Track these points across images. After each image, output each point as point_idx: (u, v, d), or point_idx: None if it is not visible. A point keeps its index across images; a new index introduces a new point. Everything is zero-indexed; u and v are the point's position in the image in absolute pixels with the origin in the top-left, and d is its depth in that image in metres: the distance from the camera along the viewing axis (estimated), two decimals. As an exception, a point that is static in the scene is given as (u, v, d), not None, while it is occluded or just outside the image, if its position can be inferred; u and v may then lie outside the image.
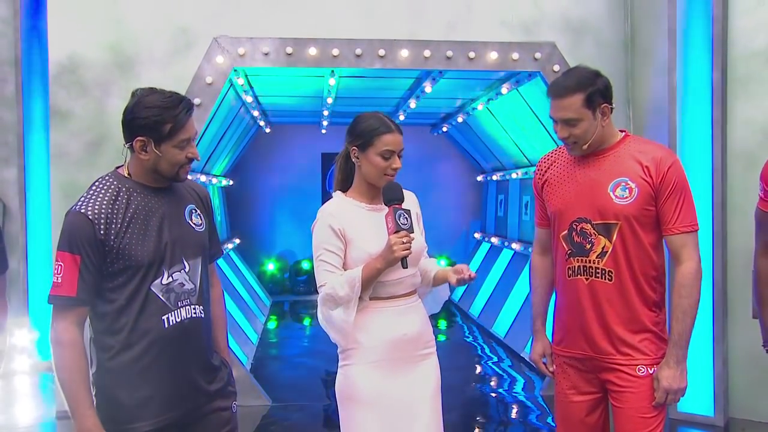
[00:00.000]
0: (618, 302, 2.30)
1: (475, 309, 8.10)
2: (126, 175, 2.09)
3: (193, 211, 2.19)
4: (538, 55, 4.89)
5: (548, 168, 2.49)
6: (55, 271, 1.96)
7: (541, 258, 2.58)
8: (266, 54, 4.67)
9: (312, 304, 9.38)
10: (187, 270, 2.10)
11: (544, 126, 6.04)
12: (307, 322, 8.41)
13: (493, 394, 5.30)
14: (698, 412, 4.33)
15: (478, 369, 6.14)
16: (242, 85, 5.82)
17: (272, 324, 8.24)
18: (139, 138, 2.01)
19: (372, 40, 4.76)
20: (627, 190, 2.27)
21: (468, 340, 7.23)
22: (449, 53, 4.82)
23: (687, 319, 2.26)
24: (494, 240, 8.71)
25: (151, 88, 2.07)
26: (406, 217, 2.26)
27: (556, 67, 4.83)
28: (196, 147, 2.11)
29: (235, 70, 4.96)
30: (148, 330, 2.00)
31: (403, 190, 2.45)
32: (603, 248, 2.30)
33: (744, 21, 4.28)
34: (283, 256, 10.12)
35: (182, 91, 4.45)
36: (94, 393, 2.04)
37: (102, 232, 1.96)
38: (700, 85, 4.35)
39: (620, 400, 2.30)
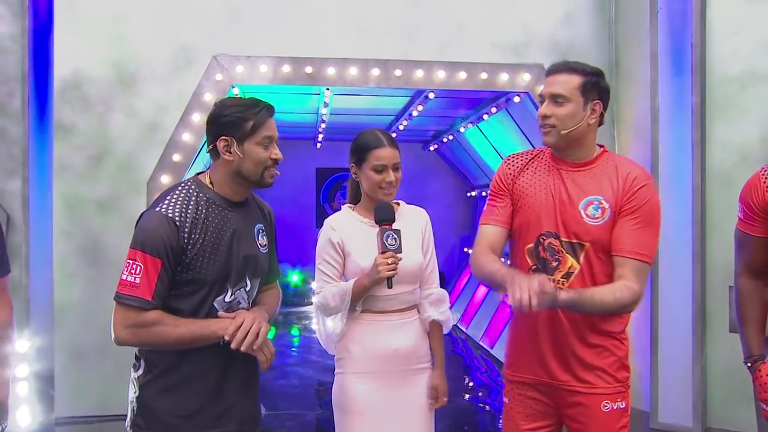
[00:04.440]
0: (582, 326, 2.11)
1: (464, 321, 8.22)
2: (208, 184, 2.06)
3: (261, 230, 2.15)
4: (526, 76, 5.04)
5: (524, 168, 2.30)
6: (132, 271, 1.88)
7: (483, 256, 2.21)
8: (264, 72, 4.81)
9: (304, 315, 9.52)
10: (247, 289, 2.07)
11: (532, 145, 6.19)
12: (299, 332, 8.51)
13: (482, 405, 5.41)
14: (677, 421, 4.46)
15: (467, 380, 6.24)
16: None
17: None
18: (222, 137, 2.00)
19: (366, 59, 4.89)
20: (599, 210, 2.09)
21: (457, 351, 7.34)
22: (441, 73, 4.97)
23: (597, 304, 2.01)
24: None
25: (232, 97, 2.15)
26: (394, 238, 2.31)
27: (544, 89, 4.98)
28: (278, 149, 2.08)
29: (234, 87, 5.10)
30: (206, 345, 1.95)
31: (413, 208, 2.56)
32: (569, 268, 2.10)
33: (721, 48, 4.46)
34: (276, 268, 10.19)
35: (182, 107, 4.65)
36: (136, 395, 2.01)
37: (186, 239, 1.92)
38: (681, 107, 4.53)
39: None
